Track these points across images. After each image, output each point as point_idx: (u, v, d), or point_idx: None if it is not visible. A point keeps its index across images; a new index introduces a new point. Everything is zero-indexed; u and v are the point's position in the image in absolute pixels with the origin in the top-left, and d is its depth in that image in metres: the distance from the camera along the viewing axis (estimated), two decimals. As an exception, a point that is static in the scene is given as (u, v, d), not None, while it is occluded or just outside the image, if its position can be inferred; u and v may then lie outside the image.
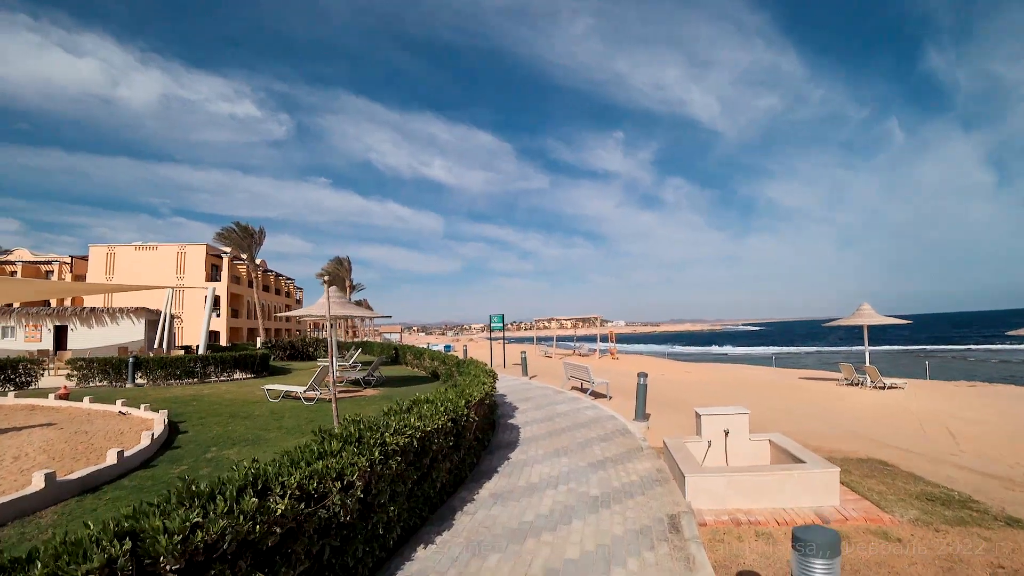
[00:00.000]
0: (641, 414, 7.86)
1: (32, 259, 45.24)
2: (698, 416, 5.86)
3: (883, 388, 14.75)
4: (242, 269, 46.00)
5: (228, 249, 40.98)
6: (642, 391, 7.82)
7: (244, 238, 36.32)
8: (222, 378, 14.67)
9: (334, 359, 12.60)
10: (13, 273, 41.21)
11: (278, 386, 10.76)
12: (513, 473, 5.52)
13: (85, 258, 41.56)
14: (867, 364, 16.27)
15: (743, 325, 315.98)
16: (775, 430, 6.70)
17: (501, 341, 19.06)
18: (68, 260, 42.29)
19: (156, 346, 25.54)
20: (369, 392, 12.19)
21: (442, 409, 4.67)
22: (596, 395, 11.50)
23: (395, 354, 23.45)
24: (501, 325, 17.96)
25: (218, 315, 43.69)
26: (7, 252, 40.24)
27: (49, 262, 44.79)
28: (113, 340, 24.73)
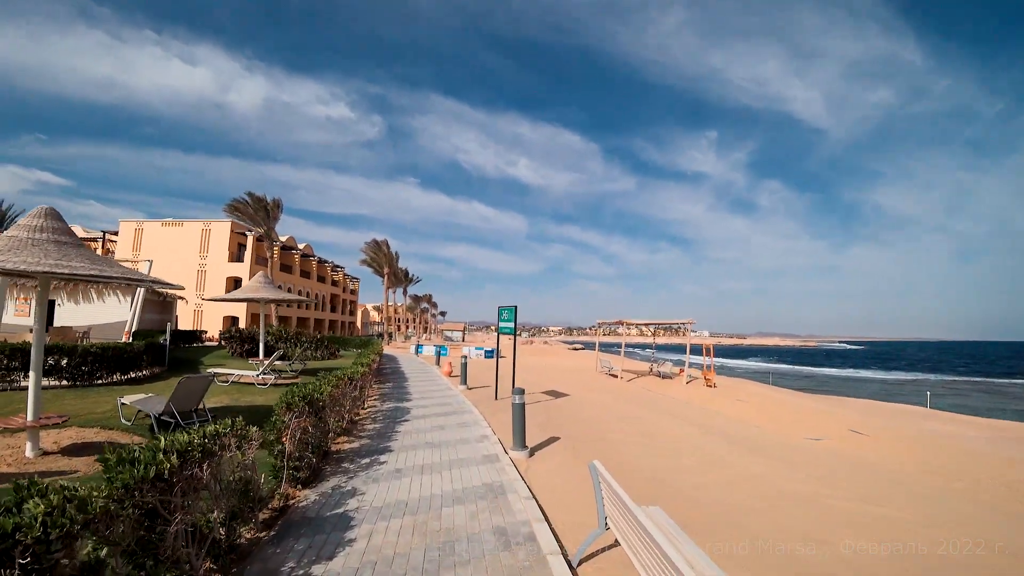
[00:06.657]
0: None
1: (83, 235, 45.16)
2: None
3: None
4: (277, 249, 42.31)
5: (261, 229, 37.08)
6: None
7: (257, 211, 31.76)
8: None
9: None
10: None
11: None
12: None
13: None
14: None
15: (840, 343, 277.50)
16: None
17: (512, 346, 10.94)
18: (100, 235, 41.07)
19: (127, 329, 21.42)
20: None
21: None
22: None
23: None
24: (512, 326, 10.06)
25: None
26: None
27: (95, 239, 44.34)
28: (99, 319, 21.23)
